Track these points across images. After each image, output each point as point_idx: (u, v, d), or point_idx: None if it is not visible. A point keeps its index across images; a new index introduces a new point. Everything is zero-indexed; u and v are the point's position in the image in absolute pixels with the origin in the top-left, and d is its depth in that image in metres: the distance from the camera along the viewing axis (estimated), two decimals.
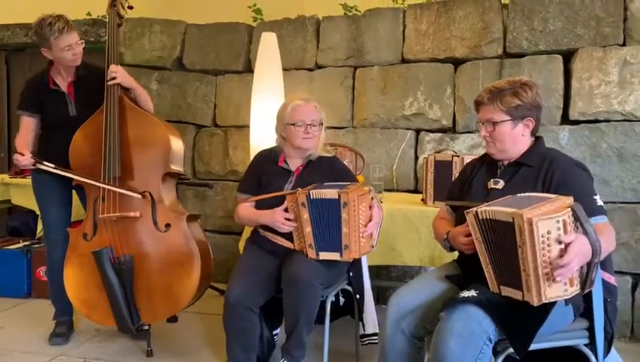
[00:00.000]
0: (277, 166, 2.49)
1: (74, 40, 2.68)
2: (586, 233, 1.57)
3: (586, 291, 1.65)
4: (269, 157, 2.54)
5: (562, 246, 1.54)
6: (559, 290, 1.58)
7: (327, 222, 2.23)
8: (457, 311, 1.70)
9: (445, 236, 2.01)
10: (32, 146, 2.82)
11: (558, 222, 1.54)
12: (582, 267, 1.60)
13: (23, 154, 2.64)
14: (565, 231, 1.54)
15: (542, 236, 1.53)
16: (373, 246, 2.31)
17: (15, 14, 4.72)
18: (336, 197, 2.18)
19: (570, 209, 1.57)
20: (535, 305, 1.58)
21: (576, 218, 1.57)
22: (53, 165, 2.65)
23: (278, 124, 2.50)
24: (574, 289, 1.60)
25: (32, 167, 2.67)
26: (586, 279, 1.61)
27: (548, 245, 1.53)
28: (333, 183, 2.31)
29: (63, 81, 2.82)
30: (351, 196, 2.16)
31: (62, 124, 2.79)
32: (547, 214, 1.53)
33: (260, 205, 2.42)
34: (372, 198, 2.27)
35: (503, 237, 1.63)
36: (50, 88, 2.81)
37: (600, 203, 1.80)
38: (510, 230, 1.59)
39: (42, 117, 2.85)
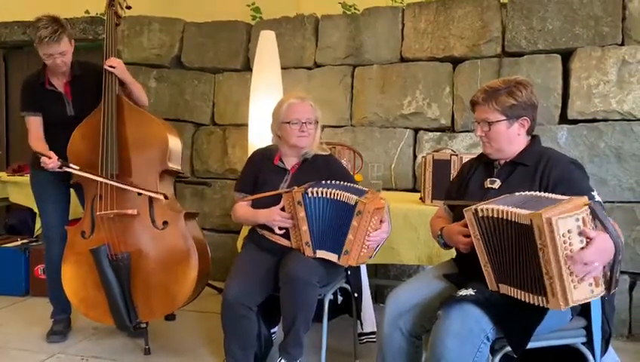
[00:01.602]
0: (273, 164, 2.49)
1: (55, 51, 2.65)
2: (606, 230, 1.54)
3: (612, 292, 1.62)
4: (265, 156, 2.54)
5: (584, 243, 1.50)
6: (586, 291, 1.54)
7: (331, 222, 2.22)
8: (455, 310, 1.70)
9: (439, 232, 2.01)
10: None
11: (577, 220, 1.50)
12: (604, 266, 1.57)
13: (50, 157, 2.61)
14: (585, 229, 1.51)
15: (563, 236, 1.48)
16: (371, 257, 2.30)
17: (13, 12, 4.71)
18: (353, 203, 2.15)
19: (587, 207, 1.53)
20: (563, 309, 1.54)
21: (595, 216, 1.54)
22: (78, 167, 2.64)
23: (274, 123, 2.50)
24: (600, 291, 1.56)
25: (59, 170, 2.63)
26: (610, 278, 1.58)
27: (570, 244, 1.49)
28: (330, 182, 2.30)
29: (58, 81, 2.82)
30: (367, 207, 2.12)
31: (60, 124, 2.78)
32: (566, 212, 1.49)
33: (256, 204, 2.42)
34: (386, 213, 2.25)
35: (509, 237, 1.62)
36: (46, 89, 2.80)
37: (598, 199, 1.80)
38: (527, 232, 1.55)
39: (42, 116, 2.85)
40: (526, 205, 1.61)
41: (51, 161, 2.60)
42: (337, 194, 2.19)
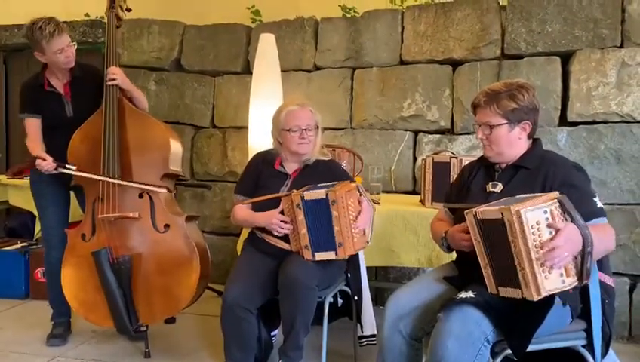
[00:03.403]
0: (273, 169, 2.49)
1: (65, 42, 2.67)
2: (574, 222, 1.58)
3: (584, 283, 1.64)
4: (265, 160, 2.54)
5: (552, 235, 1.55)
6: (557, 281, 1.58)
7: (321, 222, 2.23)
8: (455, 312, 1.70)
9: (443, 235, 2.00)
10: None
11: (545, 212, 1.56)
12: (576, 257, 1.60)
13: (44, 159, 2.61)
14: (554, 221, 1.56)
15: (532, 227, 1.54)
16: (367, 242, 2.31)
17: (13, 15, 4.71)
18: (324, 196, 2.19)
19: (556, 200, 1.58)
20: (535, 299, 1.57)
21: (564, 209, 1.59)
22: (74, 168, 2.63)
23: (274, 129, 2.50)
24: (571, 281, 1.60)
25: (54, 171, 2.62)
26: (581, 269, 1.61)
27: (539, 236, 1.55)
28: (325, 184, 2.31)
29: (58, 82, 2.82)
30: (338, 193, 2.17)
31: (59, 125, 2.79)
32: (534, 205, 1.55)
33: (256, 207, 2.42)
34: (360, 194, 2.27)
35: (497, 236, 1.64)
36: (45, 90, 2.80)
37: (600, 205, 1.80)
38: (501, 227, 1.60)
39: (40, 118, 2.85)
40: (509, 203, 1.63)
41: (46, 163, 2.60)
42: (314, 193, 2.22)
